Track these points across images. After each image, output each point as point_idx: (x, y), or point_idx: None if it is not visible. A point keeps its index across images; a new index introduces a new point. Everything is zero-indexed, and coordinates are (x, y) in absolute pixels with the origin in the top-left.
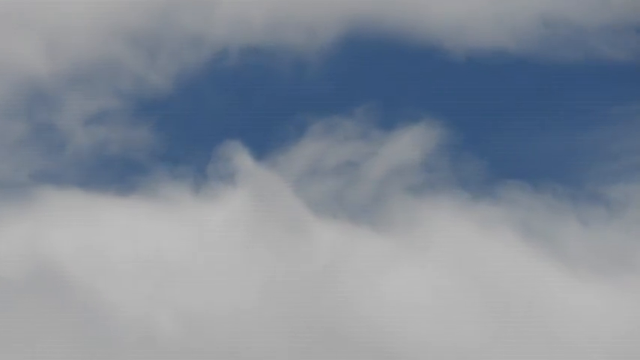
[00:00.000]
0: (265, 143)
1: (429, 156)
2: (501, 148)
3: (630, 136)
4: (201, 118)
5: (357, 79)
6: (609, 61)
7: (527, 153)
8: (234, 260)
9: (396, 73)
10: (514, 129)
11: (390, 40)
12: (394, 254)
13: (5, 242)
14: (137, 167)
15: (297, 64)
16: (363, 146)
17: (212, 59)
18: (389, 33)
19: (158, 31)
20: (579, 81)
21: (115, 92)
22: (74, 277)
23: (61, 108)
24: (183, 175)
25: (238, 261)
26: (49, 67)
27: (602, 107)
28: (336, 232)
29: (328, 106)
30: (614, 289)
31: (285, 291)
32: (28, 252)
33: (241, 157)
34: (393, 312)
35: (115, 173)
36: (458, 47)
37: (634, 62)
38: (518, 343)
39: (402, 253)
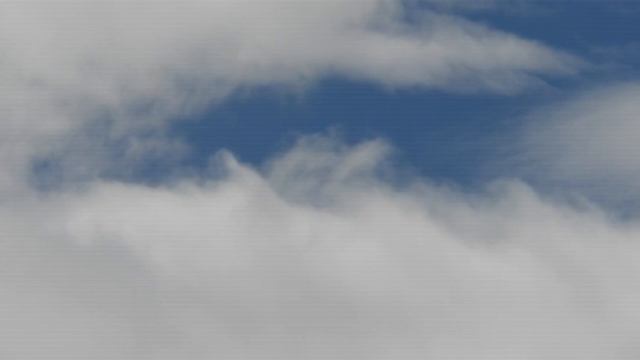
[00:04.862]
0: (263, 153)
1: (379, 163)
2: (425, 154)
3: (513, 140)
4: (218, 135)
5: (331, 107)
6: (497, 93)
7: (438, 157)
8: (233, 237)
9: (357, 102)
10: (434, 140)
11: (352, 78)
12: (349, 232)
13: (81, 222)
14: (166, 168)
15: (290, 96)
16: (334, 156)
17: (231, 94)
18: (351, 73)
19: (194, 73)
20: (476, 106)
21: (161, 117)
22: (129, 247)
23: (124, 127)
24: (194, 173)
25: (236, 238)
26: (118, 98)
27: (495, 119)
28: (310, 218)
29: (310, 126)
30: (494, 254)
31: (272, 259)
32: (97, 228)
33: (236, 163)
34: (351, 273)
35: (156, 172)
36: (390, 83)
37: (515, 94)
38: (430, 292)
39: (354, 231)
